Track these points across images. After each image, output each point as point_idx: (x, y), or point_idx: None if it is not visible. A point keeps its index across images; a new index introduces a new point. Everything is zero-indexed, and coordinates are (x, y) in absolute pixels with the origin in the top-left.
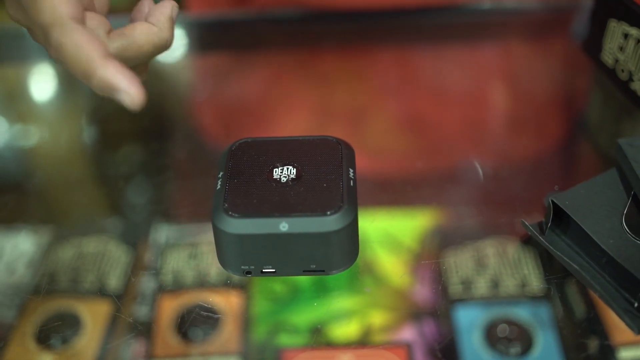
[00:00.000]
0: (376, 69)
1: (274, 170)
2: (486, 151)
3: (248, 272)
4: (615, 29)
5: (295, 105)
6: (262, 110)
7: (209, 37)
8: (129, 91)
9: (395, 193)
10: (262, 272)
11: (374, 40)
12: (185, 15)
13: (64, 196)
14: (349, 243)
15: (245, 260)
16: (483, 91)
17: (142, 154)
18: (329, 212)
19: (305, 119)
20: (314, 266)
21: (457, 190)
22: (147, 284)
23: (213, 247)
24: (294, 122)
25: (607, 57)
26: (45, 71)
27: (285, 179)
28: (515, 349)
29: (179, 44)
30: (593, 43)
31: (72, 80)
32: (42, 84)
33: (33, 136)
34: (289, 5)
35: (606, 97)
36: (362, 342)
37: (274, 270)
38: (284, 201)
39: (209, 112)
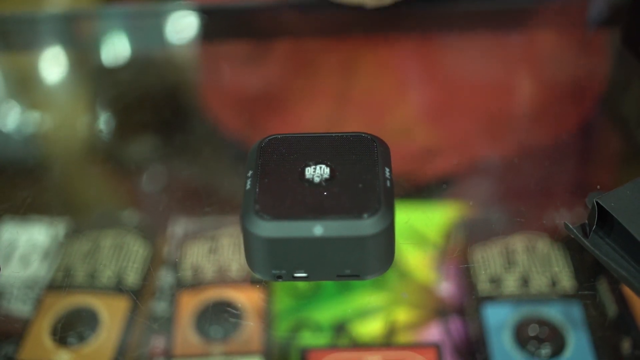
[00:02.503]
0: (400, 58)
1: (307, 169)
2: (515, 144)
3: (279, 277)
4: None
5: (317, 95)
6: (283, 100)
7: (229, 24)
8: None
9: (420, 187)
10: (293, 277)
11: (397, 29)
12: (205, 2)
13: (82, 188)
14: (385, 247)
15: (276, 265)
16: (511, 83)
17: (160, 146)
18: (365, 215)
19: (327, 109)
20: (349, 271)
21: (485, 185)
22: (165, 279)
23: (234, 242)
24: (315, 113)
25: None
26: (58, 59)
27: (318, 179)
28: (546, 350)
29: (198, 32)
30: (632, 34)
31: (88, 69)
32: (56, 72)
33: (49, 127)
34: None
35: None
36: (387, 340)
37: (306, 275)
38: (317, 203)
39: (228, 102)
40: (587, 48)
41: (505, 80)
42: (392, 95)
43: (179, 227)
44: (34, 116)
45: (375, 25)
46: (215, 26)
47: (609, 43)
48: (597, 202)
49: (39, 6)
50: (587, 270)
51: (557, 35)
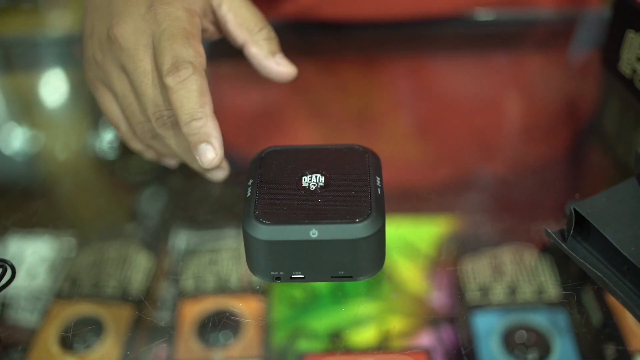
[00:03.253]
0: (393, 78)
1: (303, 178)
2: (502, 159)
3: (277, 278)
4: (633, 40)
5: (312, 114)
6: (280, 118)
7: (229, 45)
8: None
9: (412, 200)
10: (291, 277)
11: (391, 50)
12: None
13: (86, 202)
14: (376, 250)
15: (275, 267)
16: (498, 101)
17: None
18: (357, 220)
19: (322, 128)
20: (342, 272)
21: (473, 198)
22: (168, 289)
23: (233, 253)
24: (311, 131)
25: (625, 68)
26: (59, 79)
27: (314, 187)
28: (533, 356)
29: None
30: (611, 53)
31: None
32: (57, 91)
33: (53, 144)
34: (306, 17)
35: (623, 107)
36: (381, 347)
37: (303, 276)
38: (313, 209)
39: (228, 119)
40: (570, 68)
41: (493, 98)
42: (384, 113)
43: (180, 238)
44: (39, 135)
45: (369, 46)
46: (215, 46)
47: (589, 64)
48: (574, 209)
49: (41, 29)
50: (572, 278)
51: (542, 57)
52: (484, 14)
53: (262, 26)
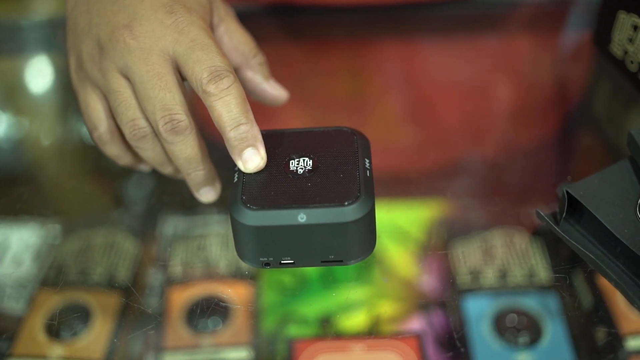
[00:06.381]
0: (382, 62)
1: (290, 161)
2: (493, 142)
3: (267, 264)
4: (625, 21)
5: (301, 98)
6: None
7: None
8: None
9: (402, 184)
10: (280, 263)
11: (380, 33)
12: None
13: (72, 189)
14: (366, 233)
15: (263, 252)
16: (489, 83)
17: None
18: (346, 203)
19: (311, 112)
20: (332, 256)
21: (463, 182)
22: (155, 276)
23: (221, 239)
24: (299, 115)
25: (616, 49)
26: (43, 64)
27: (301, 171)
28: (523, 339)
29: None
30: (602, 35)
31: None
32: (41, 76)
33: (39, 129)
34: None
35: (615, 88)
36: (371, 332)
37: (292, 261)
38: (301, 192)
39: None
40: (561, 50)
41: (483, 81)
42: (373, 97)
43: (167, 225)
44: (23, 121)
45: (358, 29)
46: None
47: (581, 45)
48: (567, 191)
49: (25, 13)
50: (563, 261)
51: (533, 39)
52: None
53: (257, 51)
